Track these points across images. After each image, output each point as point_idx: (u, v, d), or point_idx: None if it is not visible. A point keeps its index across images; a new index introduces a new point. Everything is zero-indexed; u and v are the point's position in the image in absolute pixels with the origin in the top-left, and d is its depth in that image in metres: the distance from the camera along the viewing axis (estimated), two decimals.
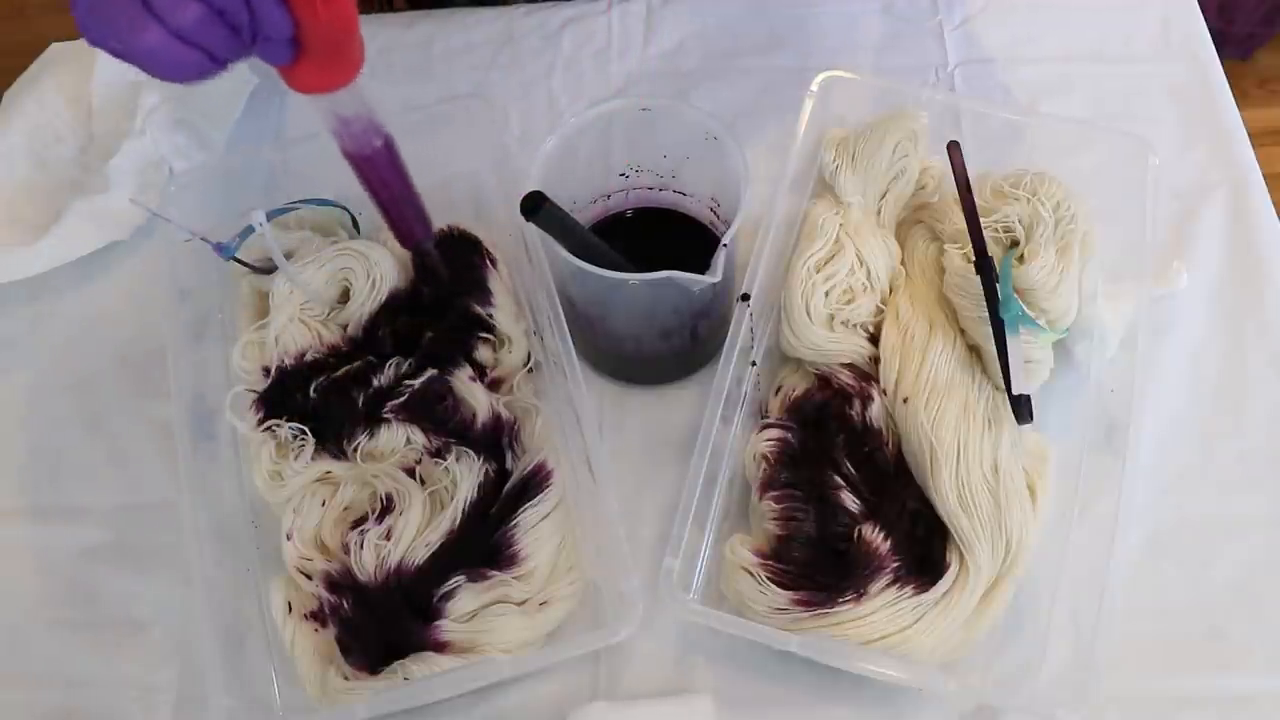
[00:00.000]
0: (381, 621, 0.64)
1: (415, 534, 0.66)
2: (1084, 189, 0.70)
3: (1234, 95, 0.87)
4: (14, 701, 0.67)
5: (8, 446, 0.77)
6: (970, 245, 0.68)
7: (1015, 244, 0.69)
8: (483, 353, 0.72)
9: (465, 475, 0.67)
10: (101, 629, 0.69)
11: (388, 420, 0.69)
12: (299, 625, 0.65)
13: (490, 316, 0.73)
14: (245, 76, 0.90)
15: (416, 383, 0.69)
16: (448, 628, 0.63)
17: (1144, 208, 0.73)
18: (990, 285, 0.66)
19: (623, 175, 0.75)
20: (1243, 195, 0.81)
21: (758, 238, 0.71)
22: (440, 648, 0.63)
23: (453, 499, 0.67)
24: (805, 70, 0.79)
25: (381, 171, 0.59)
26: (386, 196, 0.61)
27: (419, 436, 0.69)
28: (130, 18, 0.47)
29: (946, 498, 0.63)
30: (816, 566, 0.63)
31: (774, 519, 0.65)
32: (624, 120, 0.71)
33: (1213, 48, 0.90)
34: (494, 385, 0.72)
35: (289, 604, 0.65)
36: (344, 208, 0.77)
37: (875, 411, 0.68)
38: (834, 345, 0.69)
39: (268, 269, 0.73)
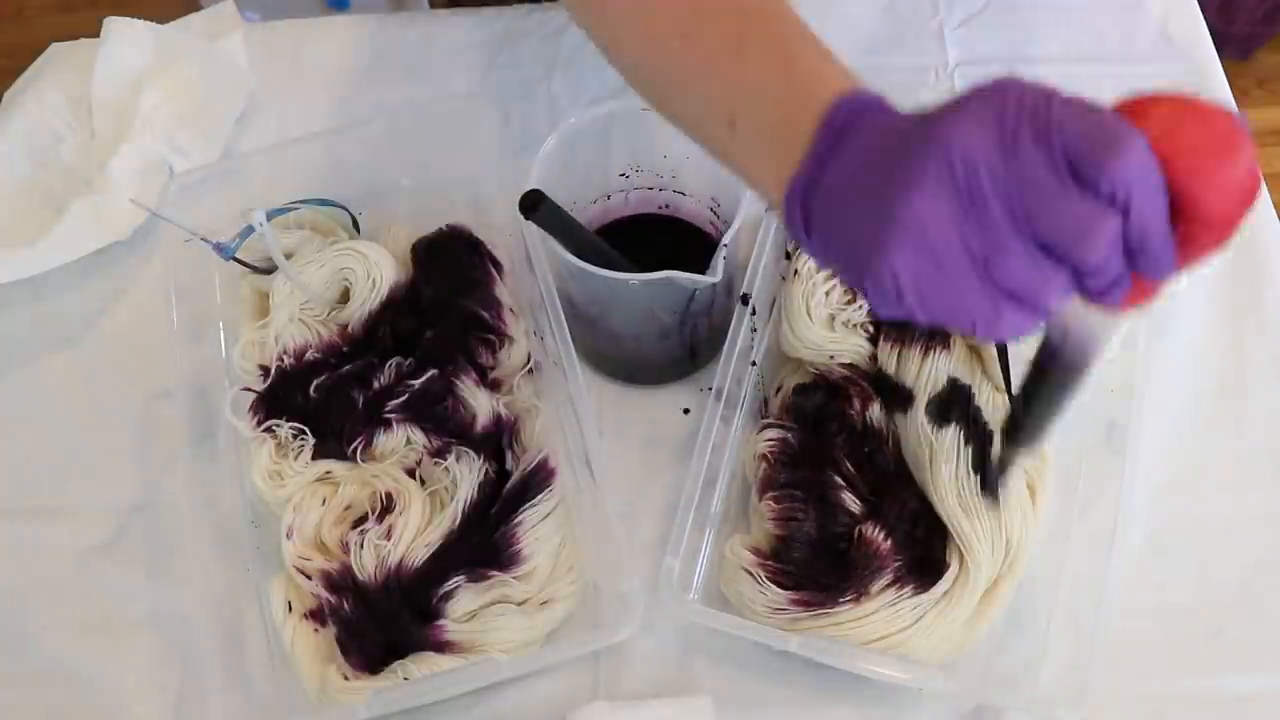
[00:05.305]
0: (381, 621, 0.64)
1: (415, 534, 0.66)
2: None
3: (1234, 95, 0.87)
4: (14, 701, 0.67)
5: (8, 446, 0.77)
6: None
7: None
8: (483, 353, 0.72)
9: (465, 475, 0.67)
10: (101, 629, 0.69)
11: (388, 420, 0.69)
12: (299, 625, 0.65)
13: (490, 317, 0.72)
14: (245, 76, 0.90)
15: (417, 383, 0.69)
16: (448, 628, 0.63)
17: None
18: None
19: (623, 175, 0.75)
20: None
21: (758, 238, 0.71)
22: (440, 648, 0.63)
23: (453, 499, 0.67)
24: None
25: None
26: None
27: (419, 436, 0.69)
28: (989, 308, 0.40)
29: (946, 498, 0.63)
30: (816, 566, 0.63)
31: (774, 519, 0.65)
32: (624, 120, 0.71)
33: (1213, 48, 0.90)
34: (494, 385, 0.72)
35: (289, 603, 0.65)
36: (344, 207, 0.77)
37: (875, 411, 0.68)
38: (834, 345, 0.69)
39: (268, 269, 0.73)
